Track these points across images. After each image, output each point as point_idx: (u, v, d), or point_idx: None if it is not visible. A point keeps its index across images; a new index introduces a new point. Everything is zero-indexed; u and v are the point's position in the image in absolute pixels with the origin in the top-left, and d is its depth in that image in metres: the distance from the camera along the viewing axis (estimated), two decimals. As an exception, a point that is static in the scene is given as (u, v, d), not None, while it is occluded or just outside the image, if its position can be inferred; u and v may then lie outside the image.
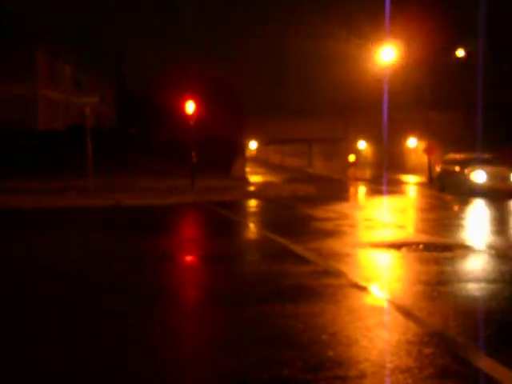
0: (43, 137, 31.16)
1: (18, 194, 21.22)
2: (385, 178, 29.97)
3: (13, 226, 14.25)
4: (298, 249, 9.80)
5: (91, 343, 5.03)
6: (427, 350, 4.71)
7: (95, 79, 43.45)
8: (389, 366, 4.41)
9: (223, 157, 34.90)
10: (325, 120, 60.92)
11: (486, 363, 4.46)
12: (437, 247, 9.98)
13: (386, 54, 31.24)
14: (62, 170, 27.28)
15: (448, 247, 10.00)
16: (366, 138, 55.55)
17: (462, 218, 16.09)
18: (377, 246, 10.31)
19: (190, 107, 27.37)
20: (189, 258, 9.91)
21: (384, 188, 27.49)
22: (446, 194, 24.62)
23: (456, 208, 19.20)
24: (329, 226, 13.33)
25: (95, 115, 36.54)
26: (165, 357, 4.69)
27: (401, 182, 34.49)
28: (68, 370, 4.42)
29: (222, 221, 15.37)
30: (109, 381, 4.24)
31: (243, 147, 42.83)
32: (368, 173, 47.25)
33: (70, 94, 33.62)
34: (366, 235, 12.29)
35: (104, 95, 26.53)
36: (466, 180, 23.62)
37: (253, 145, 74.59)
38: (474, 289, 7.03)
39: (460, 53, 36.94)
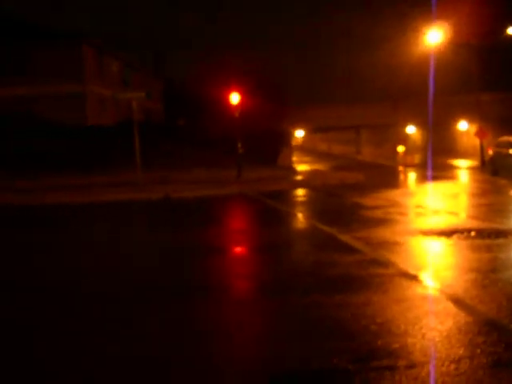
0: (92, 132, 31.83)
1: (70, 190, 21.78)
2: (429, 163, 29.36)
3: (59, 224, 14.66)
4: (346, 238, 9.77)
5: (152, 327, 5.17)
6: (479, 339, 4.65)
7: (142, 76, 44.08)
8: (439, 355, 4.37)
9: (269, 147, 34.89)
10: (373, 106, 60.15)
11: (540, 352, 4.37)
12: (489, 234, 9.77)
13: (434, 36, 30.58)
14: (111, 165, 27.81)
15: (501, 233, 9.79)
16: (416, 123, 54.56)
17: (516, 203, 15.68)
18: (427, 233, 10.18)
19: (235, 98, 27.48)
20: (238, 249, 10.02)
21: (428, 173, 27.00)
22: (499, 178, 24.00)
23: (510, 193, 18.71)
24: (378, 213, 13.22)
25: (143, 110, 37.07)
26: (213, 345, 4.78)
27: (452, 167, 33.80)
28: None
29: (269, 211, 15.43)
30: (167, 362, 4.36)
31: (289, 136, 42.74)
32: (418, 158, 46.45)
33: (118, 90, 34.19)
34: (417, 223, 12.13)
35: (151, 91, 26.83)
36: (521, 163, 22.97)
37: (299, 133, 74.26)
38: (528, 276, 6.88)
39: (510, 31, 35.79)
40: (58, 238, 11.32)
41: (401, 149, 47.59)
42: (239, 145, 26.41)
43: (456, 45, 37.22)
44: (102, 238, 11.40)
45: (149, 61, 49.89)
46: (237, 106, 27.48)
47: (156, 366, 4.43)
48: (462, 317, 5.27)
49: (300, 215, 14.44)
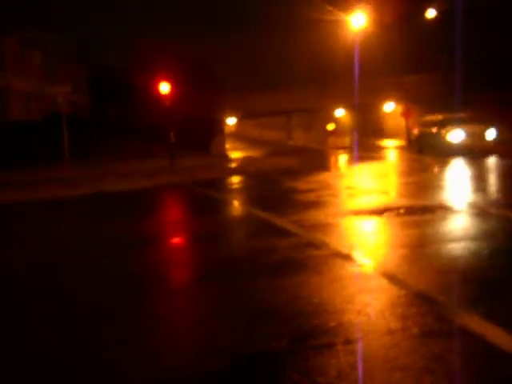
0: (17, 128, 30.82)
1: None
2: (355, 144, 30.09)
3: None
4: (281, 222, 9.90)
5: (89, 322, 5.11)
6: (410, 311, 4.85)
7: (67, 66, 42.88)
8: (374, 329, 4.54)
9: (202, 134, 34.82)
10: (302, 91, 60.73)
11: (467, 320, 4.61)
12: (418, 210, 10.14)
13: (357, 20, 31.16)
14: (39, 162, 27.05)
15: (429, 209, 10.17)
16: (344, 106, 55.59)
17: (442, 180, 16.30)
18: (359, 213, 10.45)
19: (165, 88, 27.22)
20: (174, 240, 9.98)
21: (364, 155, 27.63)
22: (424, 155, 24.84)
23: (435, 169, 19.42)
24: (311, 197, 13.43)
25: (70, 103, 36.14)
26: (153, 332, 4.79)
27: (380, 147, 34.68)
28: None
29: (204, 200, 15.42)
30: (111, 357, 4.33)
31: (221, 124, 42.71)
32: (347, 140, 47.40)
33: (42, 83, 33.17)
34: (348, 203, 12.43)
35: (77, 82, 26.25)
36: (443, 140, 23.86)
37: (231, 120, 74.30)
38: (454, 248, 7.20)
39: (430, 13, 36.93)
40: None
41: (331, 127, 48.28)
42: (171, 134, 26.22)
43: (379, 28, 38.05)
44: (33, 234, 11.10)
45: (72, 47, 48.30)
46: (167, 94, 27.23)
47: (88, 355, 4.40)
48: (395, 291, 5.47)
49: (235, 202, 14.51)
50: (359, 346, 4.25)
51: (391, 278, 5.94)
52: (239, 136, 73.43)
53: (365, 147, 32.57)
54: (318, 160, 28.87)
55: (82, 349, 4.69)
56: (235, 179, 21.03)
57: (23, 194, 19.48)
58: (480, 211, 9.72)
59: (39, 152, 28.10)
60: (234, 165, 27.86)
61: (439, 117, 25.87)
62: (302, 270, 6.53)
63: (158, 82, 27.51)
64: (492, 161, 20.17)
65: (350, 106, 54.22)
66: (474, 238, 7.60)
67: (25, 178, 23.74)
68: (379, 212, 10.22)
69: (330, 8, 37.19)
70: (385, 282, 5.82)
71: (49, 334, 5.10)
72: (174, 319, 5.32)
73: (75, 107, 39.79)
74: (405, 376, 3.78)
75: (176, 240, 9.98)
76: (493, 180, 16.03)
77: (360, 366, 3.93)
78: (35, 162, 27.06)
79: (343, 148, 38.83)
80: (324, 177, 19.19)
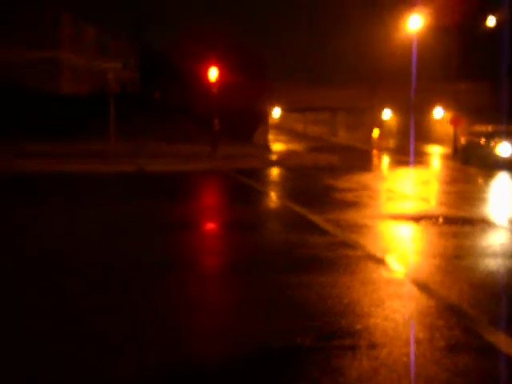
0: (66, 101, 31.40)
1: (42, 158, 21.54)
2: (412, 149, 29.69)
3: (30, 193, 14.53)
4: (317, 219, 9.88)
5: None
6: (439, 323, 4.80)
7: (119, 43, 43.47)
8: (399, 337, 4.52)
9: (246, 124, 34.86)
10: (350, 89, 60.22)
11: (496, 337, 4.55)
12: (457, 221, 10.00)
13: (414, 22, 30.66)
14: (85, 136, 27.55)
15: (468, 221, 10.01)
16: (392, 108, 54.92)
17: (485, 192, 16.00)
18: (396, 218, 10.37)
19: (213, 74, 27.33)
20: (209, 226, 10.09)
21: (408, 159, 27.31)
22: (470, 166, 24.39)
23: (479, 181, 19.06)
24: (349, 196, 13.38)
25: (119, 80, 36.67)
26: (180, 322, 4.86)
27: (425, 153, 34.18)
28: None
29: (242, 188, 15.49)
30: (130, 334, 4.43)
31: (266, 115, 42.67)
32: (392, 143, 46.88)
33: (94, 59, 33.73)
34: (387, 207, 12.33)
35: (127, 60, 26.58)
36: (491, 153, 23.35)
37: (276, 112, 74.22)
38: (490, 264, 7.08)
39: (491, 21, 36.11)
40: (21, 208, 11.24)
41: (376, 133, 47.90)
42: (216, 121, 26.33)
43: (437, 30, 37.40)
44: (72, 211, 11.34)
45: (126, 28, 49.03)
46: (215, 81, 27.34)
47: (124, 340, 4.50)
48: (424, 300, 5.42)
49: (273, 194, 14.54)
50: (383, 352, 4.24)
51: (422, 286, 5.88)
52: (283, 129, 73.29)
53: (410, 151, 32.15)
54: (360, 159, 28.63)
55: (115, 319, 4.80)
56: (275, 171, 21.04)
57: (66, 165, 19.88)
58: (521, 228, 9.52)
59: (86, 126, 28.61)
60: (275, 157, 27.86)
61: (489, 128, 25.32)
62: (334, 268, 6.53)
63: (208, 67, 27.64)
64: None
65: (398, 109, 53.55)
66: (511, 255, 7.46)
67: (69, 150, 24.23)
68: (417, 219, 10.11)
69: (385, 8, 36.71)
70: (415, 290, 5.77)
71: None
72: (200, 307, 5.38)
73: (124, 85, 40.34)
74: (426, 386, 3.76)
75: (210, 226, 10.07)
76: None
77: (382, 372, 3.92)
78: (81, 135, 27.58)
79: (387, 150, 38.41)
80: (365, 177, 19.04)
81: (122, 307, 5.22)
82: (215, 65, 27.55)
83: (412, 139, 36.10)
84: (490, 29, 36.13)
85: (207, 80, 27.77)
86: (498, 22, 35.00)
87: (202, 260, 7.33)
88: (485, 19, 36.16)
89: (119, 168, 19.49)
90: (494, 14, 35.50)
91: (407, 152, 31.89)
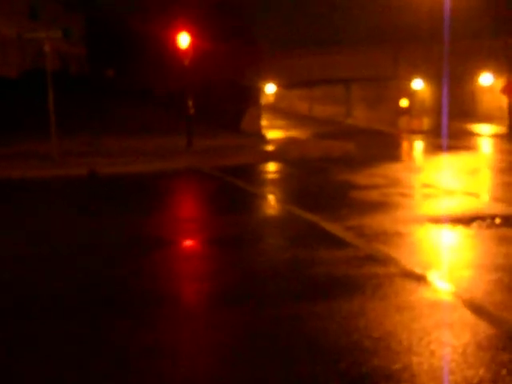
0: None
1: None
2: (444, 129, 29.82)
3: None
4: (333, 228, 9.90)
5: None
6: (504, 357, 4.81)
7: (58, 7, 43.43)
8: (453, 378, 4.52)
9: (231, 106, 34.92)
10: (368, 53, 60.46)
11: None
12: (519, 221, 10.05)
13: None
14: (16, 131, 27.49)
15: (534, 221, 10.07)
16: (423, 77, 55.14)
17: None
18: (439, 221, 10.39)
19: (184, 40, 27.29)
20: (190, 243, 10.07)
21: (449, 143, 27.39)
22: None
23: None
24: (374, 195, 13.43)
25: (58, 55, 36.60)
26: (161, 375, 4.85)
27: (470, 134, 34.38)
28: None
29: (230, 192, 15.51)
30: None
31: (257, 93, 42.77)
32: (426, 122, 47.11)
33: (24, 27, 33.65)
34: (425, 207, 12.37)
35: (69, 28, 26.40)
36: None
37: (270, 89, 74.31)
38: None
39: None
40: None
41: (404, 103, 47.92)
42: (190, 103, 26.32)
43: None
44: (7, 229, 11.32)
45: None
46: (187, 50, 27.32)
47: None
48: (482, 328, 5.43)
49: (271, 198, 14.55)
50: (432, 399, 4.24)
51: (478, 309, 5.90)
52: (281, 110, 73.60)
53: (450, 133, 32.26)
54: (385, 147, 28.72)
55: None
56: (272, 167, 21.07)
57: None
58: None
59: (16, 119, 28.54)
60: (271, 148, 27.92)
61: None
62: (359, 292, 6.53)
63: (175, 33, 27.62)
64: None
65: (431, 77, 53.75)
66: None
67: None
68: (466, 221, 10.14)
69: None
70: (469, 315, 5.78)
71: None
72: (182, 357, 5.36)
73: (66, 61, 40.34)
74: None
75: (192, 244, 10.05)
76: None
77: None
78: (11, 131, 27.51)
79: (420, 132, 38.55)
80: (392, 169, 19.09)
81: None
82: (186, 29, 27.53)
83: (449, 116, 36.25)
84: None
85: (177, 49, 27.76)
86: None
87: (183, 290, 7.30)
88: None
89: (64, 172, 19.46)
90: None
91: (446, 133, 31.99)
